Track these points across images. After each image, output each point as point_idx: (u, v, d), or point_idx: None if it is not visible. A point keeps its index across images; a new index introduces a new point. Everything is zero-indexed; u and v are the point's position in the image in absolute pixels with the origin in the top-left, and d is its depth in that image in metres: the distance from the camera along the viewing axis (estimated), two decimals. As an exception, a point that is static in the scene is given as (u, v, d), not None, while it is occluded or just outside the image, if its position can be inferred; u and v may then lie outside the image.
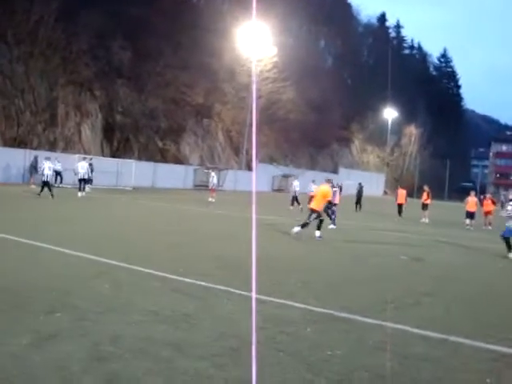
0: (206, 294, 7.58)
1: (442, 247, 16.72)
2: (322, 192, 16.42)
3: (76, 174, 28.21)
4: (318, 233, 15.99)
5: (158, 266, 9.28)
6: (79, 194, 26.94)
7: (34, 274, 8.15)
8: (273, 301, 7.40)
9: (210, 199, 31.04)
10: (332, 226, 19.75)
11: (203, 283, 8.19)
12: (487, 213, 27.85)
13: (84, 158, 31.54)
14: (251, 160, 58.36)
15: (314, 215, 15.98)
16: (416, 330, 6.43)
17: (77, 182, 28.64)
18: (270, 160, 66.02)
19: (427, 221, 28.53)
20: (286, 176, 62.81)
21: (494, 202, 28.77)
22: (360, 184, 36.16)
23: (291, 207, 29.67)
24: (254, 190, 23.74)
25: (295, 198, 30.12)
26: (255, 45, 49.00)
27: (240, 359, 4.97)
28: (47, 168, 25.50)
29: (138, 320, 6.00)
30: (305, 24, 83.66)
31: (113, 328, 5.64)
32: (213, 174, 34.61)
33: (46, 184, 25.09)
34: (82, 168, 27.87)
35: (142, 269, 8.98)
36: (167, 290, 7.67)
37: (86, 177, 28.31)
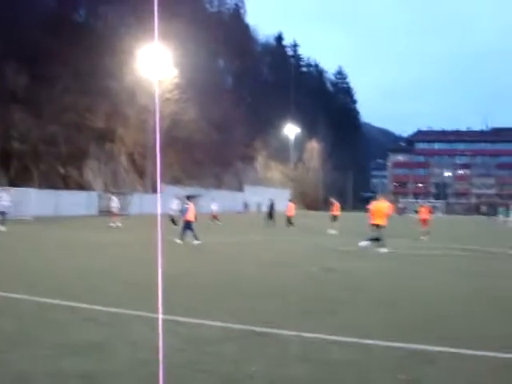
0: (119, 321, 7.33)
1: (351, 257, 17.17)
2: (380, 207, 18.08)
3: None
4: (383, 249, 17.43)
5: (65, 295, 8.90)
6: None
7: None
8: (190, 321, 7.28)
9: (112, 224, 30.49)
10: (196, 242, 19.90)
11: (114, 309, 7.93)
12: (424, 221, 26.97)
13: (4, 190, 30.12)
14: (156, 183, 57.75)
15: (381, 230, 17.63)
16: (332, 337, 6.54)
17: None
18: (176, 181, 65.58)
19: (334, 232, 29.01)
20: (190, 197, 62.53)
21: (431, 211, 28.52)
22: (271, 200, 37.24)
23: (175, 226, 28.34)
24: (159, 212, 23.50)
25: (172, 218, 29.62)
26: (156, 66, 48.73)
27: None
28: None
29: (45, 354, 5.65)
30: (203, 44, 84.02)
31: (16, 366, 5.27)
32: (113, 197, 33.80)
33: None
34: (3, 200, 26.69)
35: (48, 300, 8.58)
36: (76, 319, 7.33)
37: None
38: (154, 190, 56.85)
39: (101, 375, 5.07)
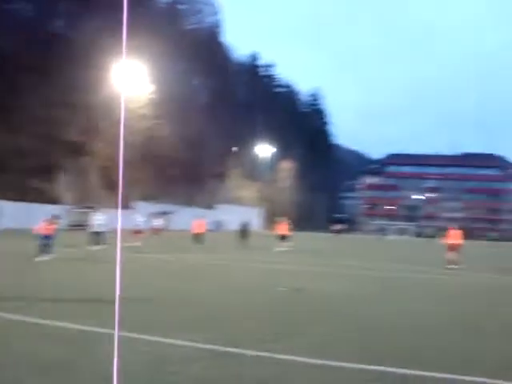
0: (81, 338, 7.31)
1: (319, 276, 17.17)
2: None
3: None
4: None
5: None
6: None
7: None
8: (158, 340, 7.24)
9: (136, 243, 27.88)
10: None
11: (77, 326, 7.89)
12: (455, 247, 22.38)
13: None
14: (128, 198, 57.35)
15: None
16: (300, 359, 6.56)
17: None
18: (150, 197, 65.24)
19: (284, 249, 29.81)
20: (162, 213, 62.36)
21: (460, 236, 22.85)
22: (244, 220, 37.03)
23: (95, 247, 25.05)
24: (119, 229, 23.49)
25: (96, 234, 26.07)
26: (129, 81, 48.45)
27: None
28: None
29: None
30: (180, 62, 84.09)
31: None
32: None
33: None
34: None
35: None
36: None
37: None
38: (126, 206, 56.31)
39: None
